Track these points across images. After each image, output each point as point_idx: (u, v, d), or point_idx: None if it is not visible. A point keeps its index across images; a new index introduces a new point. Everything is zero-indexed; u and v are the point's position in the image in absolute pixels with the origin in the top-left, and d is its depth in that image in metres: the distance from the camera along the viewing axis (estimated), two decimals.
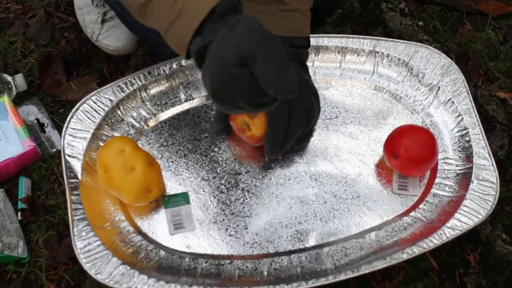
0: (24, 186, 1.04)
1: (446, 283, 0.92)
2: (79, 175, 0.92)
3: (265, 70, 0.65)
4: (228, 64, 0.66)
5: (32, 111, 1.14)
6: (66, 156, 0.92)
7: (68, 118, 0.95)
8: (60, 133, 1.10)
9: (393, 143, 0.92)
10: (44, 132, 1.12)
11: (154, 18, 0.74)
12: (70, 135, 0.94)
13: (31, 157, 1.07)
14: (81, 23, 1.26)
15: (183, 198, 0.91)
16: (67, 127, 0.95)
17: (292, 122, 0.87)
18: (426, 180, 0.95)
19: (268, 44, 0.65)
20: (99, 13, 1.23)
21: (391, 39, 1.03)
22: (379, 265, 0.84)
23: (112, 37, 1.22)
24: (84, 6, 1.25)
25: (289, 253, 0.89)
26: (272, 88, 0.65)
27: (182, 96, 1.01)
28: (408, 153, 0.90)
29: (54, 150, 1.10)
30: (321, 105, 0.94)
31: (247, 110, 0.70)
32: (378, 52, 1.02)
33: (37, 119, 1.13)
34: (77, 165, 0.92)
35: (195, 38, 0.69)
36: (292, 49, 0.89)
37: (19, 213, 1.01)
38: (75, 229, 0.87)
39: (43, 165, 1.07)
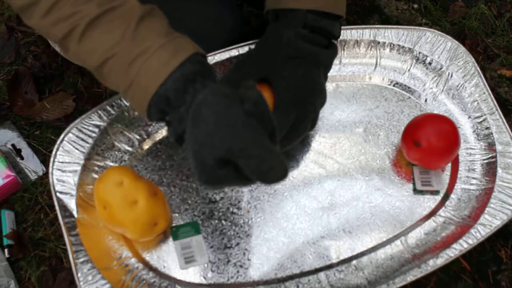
0: (7, 220, 0.95)
1: (479, 283, 0.87)
2: (74, 213, 0.83)
3: (249, 167, 0.60)
4: (209, 168, 0.61)
5: (6, 137, 1.05)
6: (58, 194, 0.84)
7: (54, 151, 0.86)
8: (39, 157, 1.02)
9: (413, 132, 0.85)
10: (22, 158, 1.03)
11: (110, 81, 0.70)
12: (59, 169, 0.86)
13: (12, 188, 0.99)
14: None
15: (193, 228, 0.84)
16: (53, 161, 0.86)
17: (297, 126, 0.80)
18: (449, 174, 0.89)
19: (243, 134, 0.61)
20: None
21: (391, 26, 0.97)
22: (416, 274, 0.78)
23: None
24: None
25: (315, 271, 0.82)
26: (262, 181, 0.62)
27: None
28: (431, 142, 0.83)
29: (35, 176, 1.01)
30: (325, 105, 0.86)
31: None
32: (379, 42, 0.96)
33: (13, 145, 1.04)
34: (71, 202, 0.84)
35: (164, 116, 0.67)
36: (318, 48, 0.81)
37: (5, 250, 0.93)
38: (79, 274, 0.79)
39: (25, 195, 0.99)
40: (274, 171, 0.60)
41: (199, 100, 0.63)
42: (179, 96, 0.64)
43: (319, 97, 0.82)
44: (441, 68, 0.95)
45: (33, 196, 0.99)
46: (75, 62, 0.70)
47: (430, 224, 0.85)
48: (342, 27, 0.95)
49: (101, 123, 0.89)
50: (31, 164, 1.03)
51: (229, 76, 0.82)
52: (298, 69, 0.79)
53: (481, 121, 0.91)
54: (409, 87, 0.95)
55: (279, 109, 0.79)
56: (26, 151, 1.04)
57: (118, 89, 0.70)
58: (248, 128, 0.60)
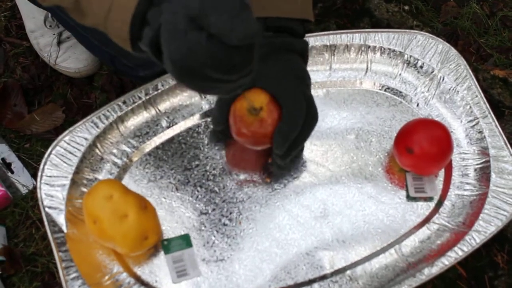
0: None
1: None
2: (64, 228, 0.82)
3: (219, 22, 0.55)
4: (181, 33, 0.56)
5: None
6: (47, 209, 0.83)
7: (41, 166, 0.85)
8: (29, 171, 1.01)
9: (405, 138, 0.84)
10: (12, 172, 1.02)
11: (90, 14, 0.65)
12: (47, 184, 0.85)
13: (2, 203, 0.98)
14: (36, 47, 1.16)
15: (184, 240, 0.82)
16: (41, 175, 0.85)
17: (310, 111, 0.79)
18: (442, 180, 0.88)
19: None
20: (53, 34, 1.14)
21: (382, 30, 0.95)
22: (411, 283, 0.77)
23: (71, 59, 1.12)
24: (37, 28, 1.15)
25: (309, 282, 0.81)
26: (232, 37, 0.56)
27: (164, 123, 0.91)
28: (424, 148, 0.82)
29: (26, 191, 1.00)
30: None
31: (224, 81, 0.60)
32: (369, 46, 0.94)
33: (3, 159, 1.03)
34: (60, 217, 0.83)
35: (144, 29, 0.60)
36: (289, 37, 0.80)
37: None
38: None
39: (16, 210, 0.98)
40: (246, 26, 0.56)
41: None
42: None
43: (308, 78, 0.81)
44: (432, 72, 0.93)
45: (24, 211, 0.98)
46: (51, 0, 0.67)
47: (424, 231, 0.84)
48: (332, 31, 0.95)
49: (89, 136, 0.88)
50: (21, 178, 1.02)
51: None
52: (280, 64, 0.79)
53: (474, 125, 0.89)
54: (400, 92, 0.94)
55: (287, 114, 0.78)
56: (16, 164, 1.03)
57: (97, 20, 0.65)
58: None
